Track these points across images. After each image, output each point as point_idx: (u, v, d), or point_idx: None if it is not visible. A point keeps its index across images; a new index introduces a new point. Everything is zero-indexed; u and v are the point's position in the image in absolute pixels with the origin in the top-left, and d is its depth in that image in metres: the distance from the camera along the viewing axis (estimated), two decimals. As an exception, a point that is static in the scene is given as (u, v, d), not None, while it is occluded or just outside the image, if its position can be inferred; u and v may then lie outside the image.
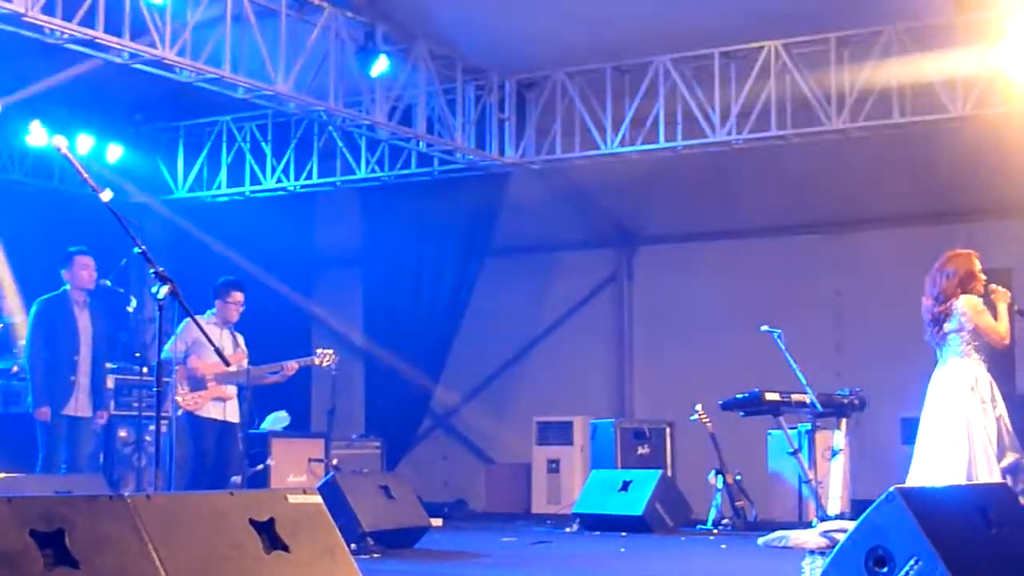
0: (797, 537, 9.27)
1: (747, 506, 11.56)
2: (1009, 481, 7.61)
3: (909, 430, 12.84)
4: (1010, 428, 7.91)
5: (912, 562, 5.09)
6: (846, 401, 10.76)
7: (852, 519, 8.01)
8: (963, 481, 7.60)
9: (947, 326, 8.01)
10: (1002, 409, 7.92)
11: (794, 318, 11.97)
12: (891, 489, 5.23)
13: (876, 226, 14.29)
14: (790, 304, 13.73)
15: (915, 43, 11.15)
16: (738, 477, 11.65)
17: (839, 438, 10.61)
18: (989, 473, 7.63)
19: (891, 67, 11.22)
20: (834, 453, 10.50)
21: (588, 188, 14.39)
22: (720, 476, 11.55)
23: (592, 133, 12.61)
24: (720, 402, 10.89)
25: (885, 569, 5.17)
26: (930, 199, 13.61)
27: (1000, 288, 8.20)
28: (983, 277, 8.22)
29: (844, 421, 10.74)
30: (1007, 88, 10.88)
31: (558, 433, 14.05)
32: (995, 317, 8.03)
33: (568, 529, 11.54)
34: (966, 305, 7.98)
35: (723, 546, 10.10)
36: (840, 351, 14.03)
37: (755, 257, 14.72)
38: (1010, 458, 7.78)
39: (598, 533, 11.21)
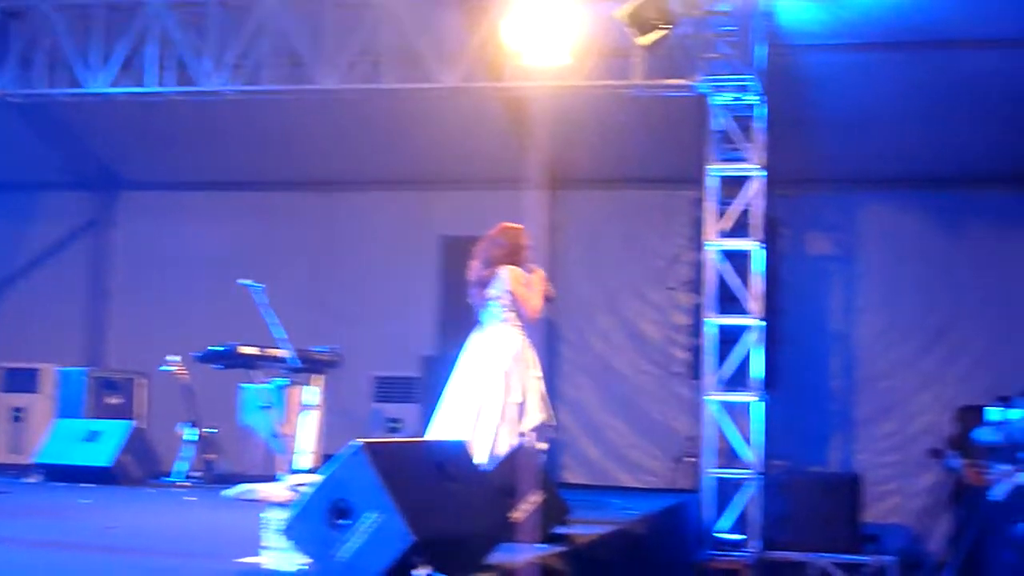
0: (264, 490, 9.37)
1: (217, 459, 11.55)
2: (534, 440, 8.05)
3: (383, 388, 13.32)
4: (544, 392, 8.33)
5: (372, 514, 5.26)
6: (322, 358, 10.95)
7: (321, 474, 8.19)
8: (488, 440, 7.92)
9: (490, 291, 8.34)
10: (538, 372, 8.32)
11: (275, 273, 12.03)
12: (355, 443, 5.37)
13: (361, 187, 14.63)
14: (272, 259, 13.81)
15: (410, 11, 11.43)
16: (211, 430, 11.61)
17: (313, 394, 10.80)
18: (512, 434, 7.98)
19: (384, 32, 11.48)
20: (307, 408, 10.68)
21: (72, 128, 13.84)
22: (191, 428, 11.47)
23: (78, 71, 12.10)
24: (195, 354, 10.81)
25: (347, 520, 5.31)
26: (412, 165, 14.09)
27: (540, 270, 8.66)
28: (529, 254, 8.62)
29: (319, 377, 10.94)
30: (497, 62, 11.35)
31: (23, 380, 13.44)
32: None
33: (29, 479, 11.10)
34: (510, 274, 8.32)
35: (191, 498, 10.05)
36: (319, 308, 14.27)
37: (240, 210, 14.71)
38: (539, 419, 8.18)
39: (62, 484, 10.85)
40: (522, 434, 8.04)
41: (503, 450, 7.69)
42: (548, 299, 8.70)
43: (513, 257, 8.50)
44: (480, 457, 7.41)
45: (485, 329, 8.42)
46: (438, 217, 14.24)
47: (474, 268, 8.53)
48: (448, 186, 14.33)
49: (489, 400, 8.15)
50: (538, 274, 8.63)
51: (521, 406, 8.14)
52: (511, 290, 8.33)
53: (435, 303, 13.23)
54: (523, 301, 8.37)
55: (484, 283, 8.43)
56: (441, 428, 8.16)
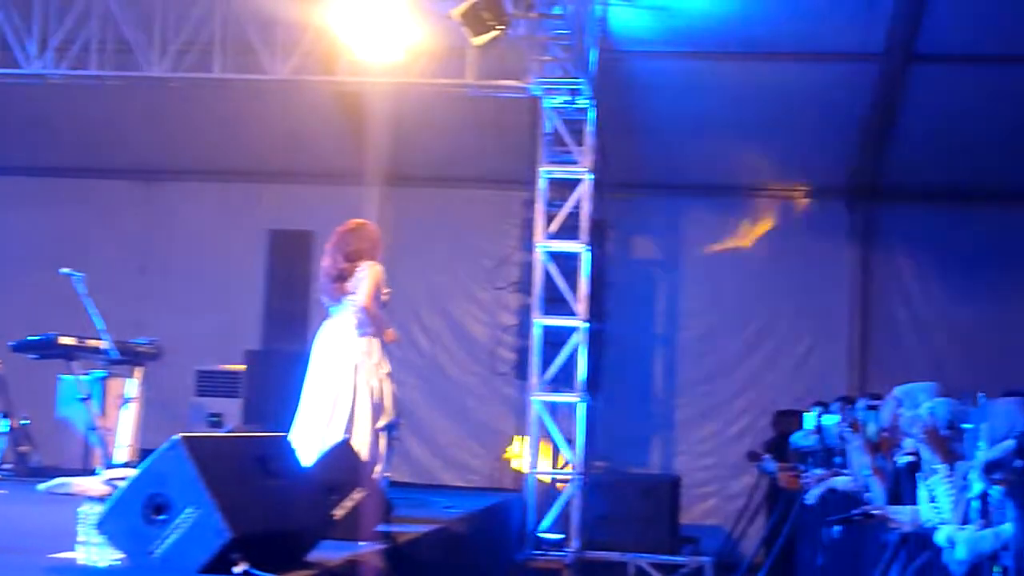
0: (79, 484, 9.17)
1: (32, 452, 11.27)
2: (384, 439, 7.98)
3: (205, 382, 13.15)
4: (394, 390, 8.24)
5: (190, 509, 5.21)
6: (142, 350, 10.77)
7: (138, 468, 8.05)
8: (341, 436, 7.81)
9: (348, 285, 8.14)
10: (387, 369, 8.22)
11: (97, 263, 11.81)
12: (174, 438, 5.32)
13: (188, 178, 14.44)
14: (95, 248, 13.56)
15: (242, 0, 11.31)
16: (24, 421, 11.31)
17: (132, 386, 10.61)
18: (367, 431, 7.89)
19: (215, 21, 11.34)
20: (126, 401, 10.50)
21: None
22: (3, 419, 11.17)
23: None
24: (11, 343, 10.53)
25: (163, 516, 5.25)
26: (241, 156, 13.96)
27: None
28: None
29: (139, 370, 10.75)
30: (331, 55, 11.29)
31: None
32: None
33: None
34: (372, 271, 8.13)
35: (2, 492, 9.79)
36: (142, 300, 14.03)
37: (62, 197, 14.38)
38: (389, 417, 8.11)
39: None
40: (376, 432, 7.99)
41: (330, 447, 7.64)
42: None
43: (374, 253, 8.38)
44: (310, 454, 7.35)
45: (336, 325, 8.26)
46: (266, 210, 14.14)
47: (331, 261, 8.33)
48: (277, 179, 14.23)
49: (339, 398, 8.04)
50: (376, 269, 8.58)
51: (375, 404, 8.06)
52: (371, 287, 8.16)
53: (261, 297, 13.12)
54: (367, 295, 8.22)
55: (344, 277, 8.23)
56: (299, 427, 8.04)
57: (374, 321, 8.11)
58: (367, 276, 8.09)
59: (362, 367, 8.03)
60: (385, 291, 8.25)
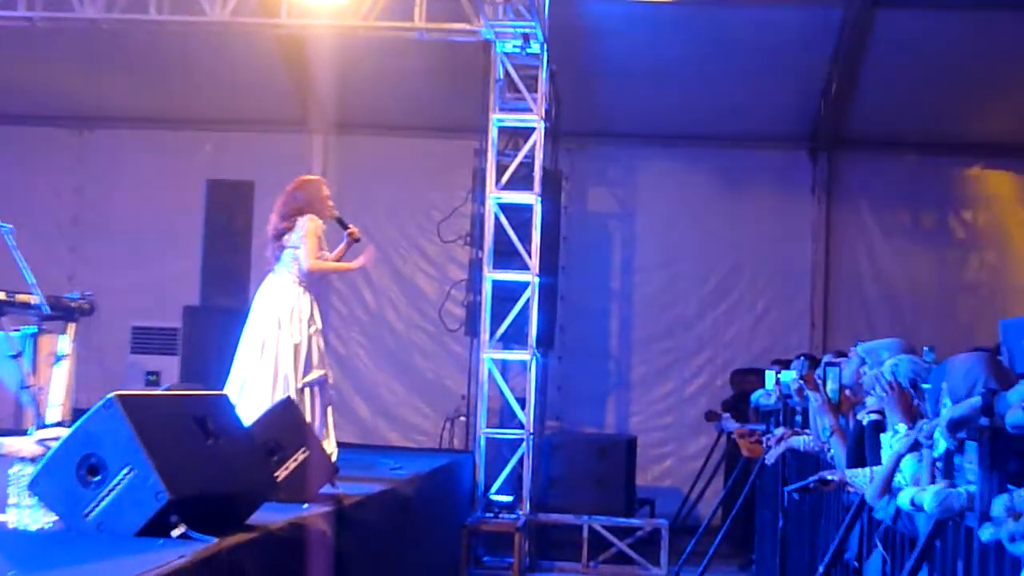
0: (11, 445, 9.10)
1: (-41, 412, 11.19)
2: (312, 394, 8.03)
3: (141, 339, 13.09)
4: (322, 346, 8.30)
5: (126, 470, 5.19)
6: (75, 305, 10.67)
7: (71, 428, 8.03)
8: (268, 392, 7.86)
9: (286, 240, 8.30)
10: (318, 325, 8.29)
11: (26, 214, 11.70)
12: (109, 396, 5.28)
13: (123, 125, 14.31)
14: (25, 198, 13.42)
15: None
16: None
17: (65, 343, 10.53)
18: (287, 388, 7.93)
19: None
20: (58, 358, 10.41)
21: None
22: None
23: None
24: (-64, 299, 10.42)
25: (98, 477, 5.23)
26: (179, 103, 13.84)
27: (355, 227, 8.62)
28: (331, 203, 8.54)
29: (72, 326, 10.66)
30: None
31: None
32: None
33: None
34: (308, 224, 8.26)
35: (-72, 454, 9.71)
36: (74, 252, 13.93)
37: (-4, 146, 14.24)
38: (316, 374, 8.15)
39: None
40: (299, 390, 8.03)
41: (271, 405, 7.65)
42: (356, 240, 8.68)
43: (313, 208, 8.47)
44: (249, 413, 7.36)
45: (274, 280, 8.36)
46: (205, 159, 14.04)
47: (272, 222, 8.51)
48: (217, 127, 14.13)
49: (265, 355, 8.10)
50: (352, 230, 8.62)
51: (298, 360, 8.12)
52: (304, 240, 8.31)
53: (199, 250, 13.01)
54: (307, 253, 8.30)
55: (281, 234, 8.39)
56: (232, 384, 8.09)
57: (318, 277, 8.23)
58: (300, 229, 8.23)
59: (289, 321, 8.12)
60: (324, 249, 8.37)
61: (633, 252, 14.10)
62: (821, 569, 6.18)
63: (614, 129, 13.95)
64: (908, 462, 5.03)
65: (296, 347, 8.10)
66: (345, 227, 8.68)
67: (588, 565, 11.49)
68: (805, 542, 7.94)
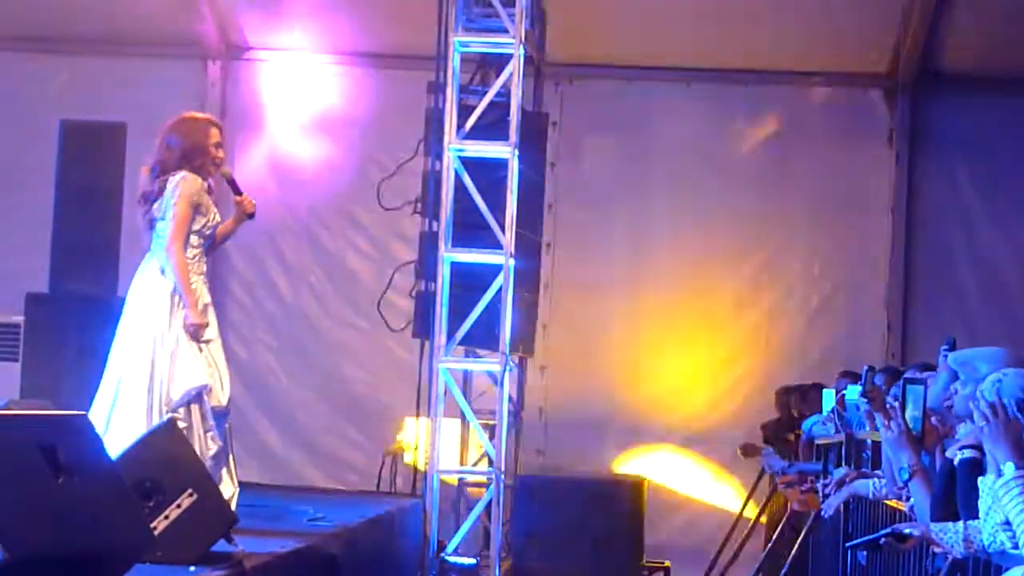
0: None
1: None
2: (202, 416, 8.05)
3: None
4: (218, 352, 8.27)
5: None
6: None
7: None
8: (143, 415, 7.83)
9: (156, 208, 8.15)
10: (211, 337, 8.24)
11: None
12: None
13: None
14: None
15: None
16: None
17: None
18: (169, 396, 7.92)
19: None
20: None
21: None
22: None
23: None
24: None
25: None
26: (25, 16, 13.82)
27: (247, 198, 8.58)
28: (221, 154, 8.44)
29: None
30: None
31: None
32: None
33: None
34: (183, 185, 8.11)
35: None
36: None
37: None
38: (216, 402, 8.14)
39: None
40: (187, 409, 8.03)
41: (147, 430, 7.65)
42: (250, 216, 8.64)
43: (192, 161, 8.34)
44: (119, 442, 7.36)
45: (148, 262, 8.29)
46: (58, 93, 13.97)
47: (142, 179, 8.39)
48: (75, 50, 14.08)
49: (139, 364, 8.07)
50: (243, 199, 8.56)
51: (183, 370, 8.10)
52: (174, 207, 8.15)
53: (49, 220, 12.97)
54: (175, 228, 8.15)
55: (150, 198, 8.28)
56: (101, 404, 8.06)
57: (178, 269, 8.11)
58: (172, 192, 8.10)
59: (170, 320, 8.07)
60: (210, 216, 8.28)
61: (644, 226, 14.11)
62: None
63: (619, 58, 13.95)
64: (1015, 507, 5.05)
65: (175, 353, 8.07)
66: (237, 192, 8.59)
67: (581, 653, 11.56)
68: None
